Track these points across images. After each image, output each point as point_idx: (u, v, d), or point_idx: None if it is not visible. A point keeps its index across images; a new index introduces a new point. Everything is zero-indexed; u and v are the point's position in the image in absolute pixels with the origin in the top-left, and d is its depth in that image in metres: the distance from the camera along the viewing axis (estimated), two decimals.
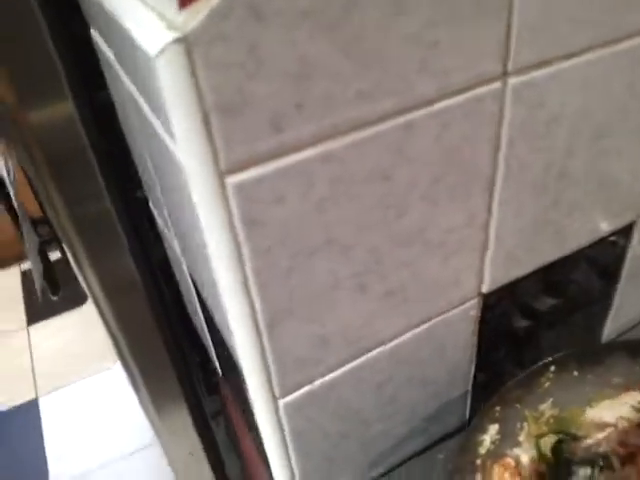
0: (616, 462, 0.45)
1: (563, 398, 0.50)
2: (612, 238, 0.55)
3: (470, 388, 0.55)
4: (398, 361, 0.47)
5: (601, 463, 0.45)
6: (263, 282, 0.35)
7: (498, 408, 0.50)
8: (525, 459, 0.47)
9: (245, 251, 0.33)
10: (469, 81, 0.35)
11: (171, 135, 0.30)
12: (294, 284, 0.36)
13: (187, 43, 0.26)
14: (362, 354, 0.44)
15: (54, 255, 0.97)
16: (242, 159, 0.30)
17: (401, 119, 0.34)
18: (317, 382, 0.42)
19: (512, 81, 0.37)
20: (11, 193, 0.77)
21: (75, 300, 1.76)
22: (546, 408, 0.51)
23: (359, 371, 0.44)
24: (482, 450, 0.48)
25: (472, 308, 0.48)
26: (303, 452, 0.46)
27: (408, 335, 0.45)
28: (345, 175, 0.34)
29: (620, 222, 0.53)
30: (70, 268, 0.87)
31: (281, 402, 0.41)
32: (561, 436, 0.49)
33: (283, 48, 0.28)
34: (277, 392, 0.41)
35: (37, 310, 1.91)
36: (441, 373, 0.52)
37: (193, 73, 0.26)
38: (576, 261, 0.54)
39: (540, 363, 0.51)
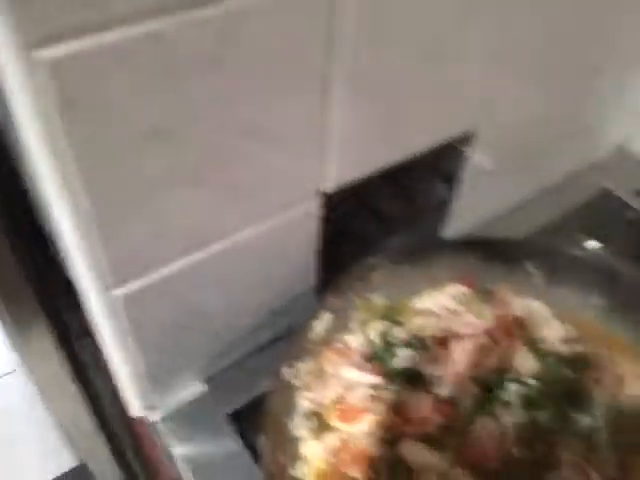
0: (430, 343, 0.51)
1: (394, 290, 0.55)
2: (453, 145, 0.58)
3: (316, 285, 0.58)
4: (240, 257, 0.48)
5: (417, 344, 0.50)
6: (89, 170, 0.34)
7: (332, 298, 0.53)
8: (354, 344, 0.52)
9: (66, 135, 0.31)
10: None
11: None
12: (123, 173, 0.35)
13: None
14: (199, 248, 0.44)
15: None
16: (54, 30, 0.28)
17: (229, 4, 0.33)
18: (153, 274, 0.43)
19: None
20: None
21: None
22: (377, 298, 0.56)
23: (199, 266, 0.45)
24: (314, 336, 0.51)
25: (313, 206, 0.50)
26: (143, 345, 0.47)
27: (249, 231, 0.46)
28: (171, 58, 0.33)
29: (457, 130, 0.56)
30: None
31: (115, 292, 0.41)
32: (387, 323, 0.53)
33: None
34: (110, 282, 0.40)
35: None
36: (286, 270, 0.54)
37: None
38: (421, 167, 0.57)
39: (375, 257, 0.55)
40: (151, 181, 0.37)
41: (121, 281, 0.41)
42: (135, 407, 0.53)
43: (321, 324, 0.52)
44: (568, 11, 0.55)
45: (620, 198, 0.79)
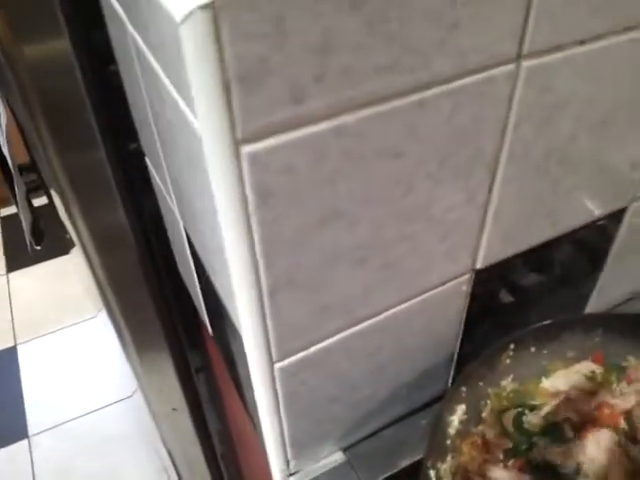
0: (568, 431, 0.47)
1: (522, 373, 0.53)
2: (602, 221, 0.56)
3: (455, 359, 0.57)
4: (390, 331, 0.48)
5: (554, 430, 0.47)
6: (269, 250, 0.35)
7: (464, 388, 0.51)
8: (490, 435, 0.49)
9: (254, 220, 0.34)
10: (484, 62, 0.35)
11: (188, 102, 0.30)
12: (298, 254, 0.37)
13: (214, 10, 0.25)
14: (357, 324, 0.45)
15: (37, 202, 0.96)
16: (259, 129, 0.30)
17: (416, 96, 0.34)
18: (312, 348, 0.44)
19: (526, 64, 0.37)
20: (1, 138, 0.76)
21: (57, 249, 1.74)
22: (507, 384, 0.53)
23: (353, 340, 0.45)
24: (452, 431, 0.49)
25: (464, 283, 0.49)
26: (294, 414, 0.48)
27: (401, 307, 0.46)
28: (357, 149, 0.34)
29: (612, 207, 0.54)
30: (55, 217, 0.86)
31: (277, 366, 0.43)
32: (520, 409, 0.51)
33: (308, 20, 0.28)
34: (274, 356, 0.42)
35: (18, 257, 1.89)
36: (429, 344, 0.53)
37: (218, 41, 0.26)
38: (566, 241, 0.55)
39: (500, 341, 0.53)
40: (321, 259, 0.38)
41: (283, 356, 0.42)
42: (276, 474, 0.53)
43: (456, 417, 0.50)
44: None
45: None
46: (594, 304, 0.65)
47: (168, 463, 0.96)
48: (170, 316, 0.74)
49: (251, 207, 0.33)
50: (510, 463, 0.47)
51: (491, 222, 0.45)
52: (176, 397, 0.84)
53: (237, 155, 0.30)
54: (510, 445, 0.48)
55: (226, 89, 0.28)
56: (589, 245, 0.60)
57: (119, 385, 1.47)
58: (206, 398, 0.91)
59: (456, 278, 0.48)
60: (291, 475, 0.54)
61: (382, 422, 0.57)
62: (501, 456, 0.48)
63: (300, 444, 0.51)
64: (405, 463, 0.54)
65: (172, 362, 0.79)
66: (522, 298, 0.59)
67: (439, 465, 0.46)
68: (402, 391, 0.55)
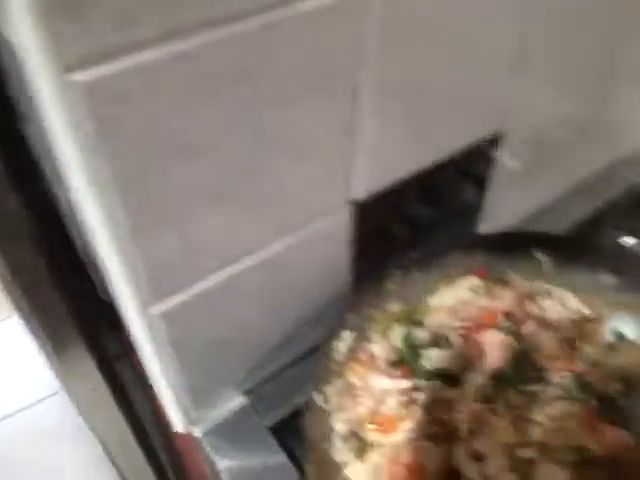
0: (455, 338, 0.50)
1: (408, 295, 0.55)
2: (481, 147, 0.58)
3: (348, 292, 0.58)
4: (274, 269, 0.48)
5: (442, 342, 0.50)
6: (122, 186, 0.34)
7: (350, 316, 0.53)
8: (378, 352, 0.51)
9: (100, 153, 0.32)
10: None
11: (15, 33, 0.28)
12: (154, 189, 0.36)
13: None
14: (233, 262, 0.45)
15: None
16: (88, 55, 0.29)
17: (259, 19, 0.33)
18: (189, 290, 0.43)
19: None
20: None
21: None
22: (393, 306, 0.55)
23: (234, 279, 0.45)
24: (338, 356, 0.51)
25: (344, 216, 0.50)
26: (184, 360, 0.47)
27: (280, 243, 0.47)
28: (200, 74, 0.33)
29: (485, 132, 0.56)
30: None
31: (154, 310, 0.42)
32: (407, 326, 0.53)
33: None
34: (149, 300, 0.41)
35: None
36: (320, 280, 0.54)
37: None
38: (448, 169, 0.57)
39: (384, 270, 0.55)
40: (183, 196, 0.38)
41: (159, 298, 0.42)
42: (178, 423, 0.53)
43: (343, 343, 0.52)
44: (593, 13, 0.55)
45: None
46: (484, 230, 0.67)
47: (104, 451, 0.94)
48: (79, 301, 0.71)
49: (93, 141, 0.32)
50: (396, 373, 0.49)
51: (362, 150, 0.46)
52: (96, 381, 0.82)
53: (66, 83, 0.29)
54: (396, 358, 0.50)
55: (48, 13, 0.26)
56: (471, 172, 0.62)
57: (42, 384, 1.42)
58: (131, 381, 0.89)
59: (333, 210, 0.49)
60: (193, 424, 0.54)
61: (282, 362, 0.58)
62: (383, 366, 0.50)
63: (198, 391, 0.51)
64: (302, 401, 0.55)
65: (87, 348, 0.76)
66: (411, 228, 0.61)
67: (325, 389, 0.48)
68: (299, 329, 0.56)
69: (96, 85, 0.30)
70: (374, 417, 0.48)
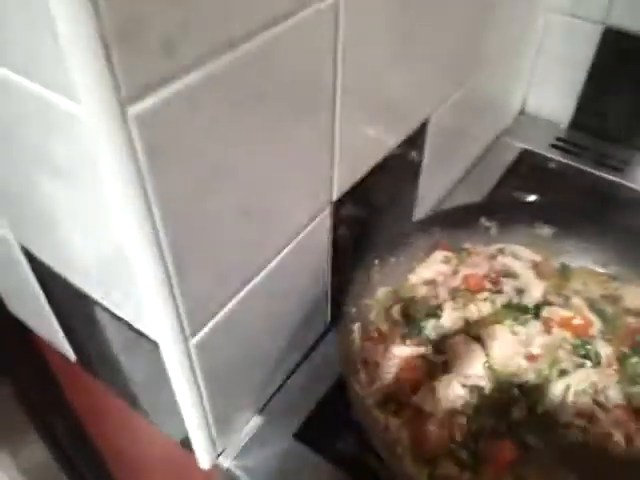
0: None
1: (390, 279, 0.60)
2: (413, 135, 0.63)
3: (329, 291, 0.60)
4: (274, 280, 0.49)
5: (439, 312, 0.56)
6: (168, 214, 0.34)
7: (354, 309, 0.56)
8: (384, 327, 0.55)
9: (149, 182, 0.32)
10: None
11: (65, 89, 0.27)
12: (196, 213, 0.36)
13: None
14: (253, 277, 0.45)
15: None
16: (142, 87, 0.29)
17: (267, 34, 0.35)
18: (220, 314, 0.43)
19: None
20: None
21: None
22: (381, 292, 0.60)
23: (252, 295, 0.46)
24: (356, 346, 0.54)
25: (327, 217, 0.53)
26: (214, 388, 0.47)
27: (284, 252, 0.48)
28: (226, 96, 0.34)
29: (419, 120, 0.62)
30: None
31: (193, 341, 0.41)
32: (402, 303, 0.58)
33: None
34: (188, 331, 0.41)
35: None
36: (307, 283, 0.56)
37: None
38: (390, 160, 0.62)
39: (365, 261, 0.58)
40: (218, 220, 0.38)
41: (197, 329, 0.41)
42: (204, 457, 0.52)
43: (355, 334, 0.54)
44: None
45: (540, 154, 0.89)
46: (420, 211, 0.74)
47: None
48: None
49: (144, 169, 0.31)
50: (407, 342, 0.53)
51: (338, 152, 0.49)
52: None
53: (125, 119, 0.29)
54: (405, 331, 0.55)
55: (106, 51, 0.26)
56: (406, 160, 0.68)
57: None
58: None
59: (320, 213, 0.51)
60: (219, 455, 0.53)
61: (285, 373, 0.59)
62: (398, 339, 0.54)
63: (223, 419, 0.51)
64: (316, 400, 0.57)
65: None
66: (369, 220, 0.65)
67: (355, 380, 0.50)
68: (295, 336, 0.57)
69: (149, 116, 0.30)
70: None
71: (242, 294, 0.45)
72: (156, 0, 0.27)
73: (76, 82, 0.27)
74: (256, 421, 0.56)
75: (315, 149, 0.46)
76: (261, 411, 0.56)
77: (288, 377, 0.60)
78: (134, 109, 0.29)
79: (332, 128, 0.47)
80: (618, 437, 0.48)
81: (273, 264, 0.48)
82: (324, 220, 0.53)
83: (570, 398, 0.50)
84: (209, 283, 0.41)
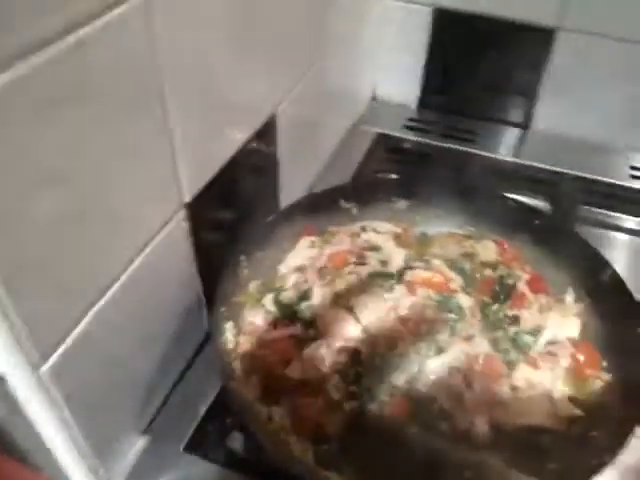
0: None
1: (260, 273, 0.60)
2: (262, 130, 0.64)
3: (203, 297, 0.59)
4: (137, 290, 0.48)
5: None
6: None
7: (223, 309, 0.55)
8: (259, 320, 0.55)
9: None
10: None
11: None
12: (22, 228, 0.34)
13: None
14: (104, 292, 0.43)
15: None
16: None
17: (72, 37, 0.34)
18: (71, 336, 0.41)
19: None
20: None
21: None
22: (252, 286, 0.60)
23: (106, 313, 0.44)
24: (230, 345, 0.53)
25: (182, 220, 0.52)
26: (82, 415, 0.44)
27: (137, 262, 0.47)
28: (40, 99, 0.33)
29: (264, 117, 0.63)
30: None
31: (43, 369, 0.39)
32: (273, 293, 0.58)
33: None
34: (36, 360, 0.38)
35: None
36: (177, 290, 0.55)
37: None
38: (243, 157, 0.62)
39: (231, 259, 0.58)
40: (49, 230, 0.36)
41: (45, 355, 0.39)
42: None
43: (229, 333, 0.54)
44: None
45: (395, 136, 0.93)
46: (284, 200, 0.74)
47: None
48: None
49: None
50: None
51: (180, 152, 0.48)
52: None
53: None
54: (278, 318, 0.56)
55: None
56: (260, 155, 0.68)
57: None
58: None
59: (173, 216, 0.50)
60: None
61: (166, 387, 0.57)
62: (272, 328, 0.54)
63: (101, 446, 0.48)
64: (203, 409, 0.56)
65: None
66: (235, 218, 0.64)
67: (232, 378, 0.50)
68: (171, 349, 0.56)
69: None
70: None
71: (94, 311, 0.43)
72: None
73: None
74: (142, 442, 0.53)
75: (152, 149, 0.45)
76: (146, 431, 0.54)
77: (171, 391, 0.58)
78: None
79: (167, 127, 0.46)
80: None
81: (127, 274, 0.46)
82: (179, 223, 0.52)
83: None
84: (51, 303, 0.38)
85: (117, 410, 0.50)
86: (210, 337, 0.62)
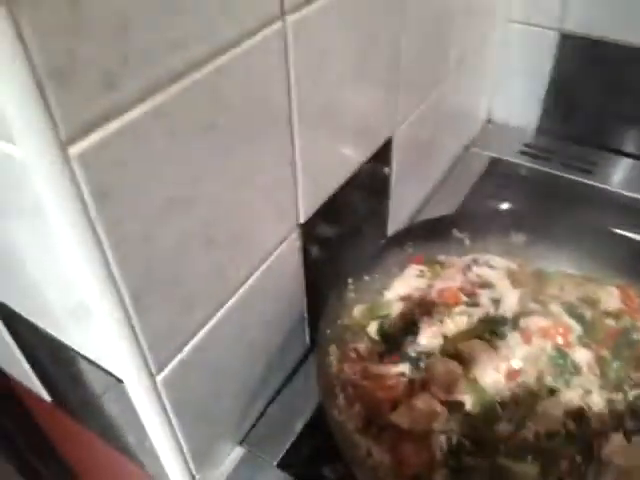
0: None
1: (365, 297, 0.59)
2: (378, 152, 0.63)
3: (306, 316, 0.60)
4: (249, 306, 0.49)
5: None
6: (121, 254, 0.33)
7: (328, 331, 0.55)
8: (362, 348, 0.54)
9: (99, 226, 0.31)
10: (257, 22, 0.38)
11: None
12: (150, 249, 0.36)
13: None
14: (220, 307, 0.45)
15: None
16: (82, 126, 0.28)
17: (211, 65, 0.35)
18: (187, 347, 0.42)
19: (290, 19, 0.41)
20: None
21: None
22: (357, 310, 0.59)
23: (221, 326, 0.45)
24: (333, 370, 0.53)
25: (296, 239, 0.52)
26: (187, 423, 0.45)
27: (253, 278, 0.48)
28: (174, 128, 0.34)
29: (383, 137, 0.62)
30: None
31: (159, 378, 0.40)
32: (378, 321, 0.57)
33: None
34: (153, 368, 0.40)
35: None
36: (283, 308, 0.55)
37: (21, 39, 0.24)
38: (357, 180, 0.61)
39: (339, 281, 0.58)
40: (173, 250, 0.38)
41: (162, 365, 0.40)
42: None
43: (333, 356, 0.53)
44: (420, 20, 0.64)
45: (508, 161, 0.90)
46: (394, 226, 0.74)
47: None
48: None
49: (93, 214, 0.31)
50: (385, 361, 0.53)
51: (301, 175, 0.49)
52: None
53: (67, 160, 0.28)
54: (383, 349, 0.54)
55: (40, 88, 0.26)
56: (374, 177, 0.68)
57: None
58: None
59: (288, 236, 0.51)
60: None
61: (265, 401, 0.58)
62: (376, 359, 0.53)
63: (201, 453, 0.49)
64: (300, 426, 0.56)
65: None
66: (343, 239, 0.64)
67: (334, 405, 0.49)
68: (273, 363, 0.56)
69: (92, 154, 0.30)
70: None
71: (210, 325, 0.44)
72: (92, 37, 0.27)
73: (10, 123, 0.27)
74: (238, 452, 0.54)
75: (276, 173, 0.46)
76: (242, 442, 0.55)
77: (269, 404, 0.59)
78: (75, 149, 0.28)
79: (292, 151, 0.47)
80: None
81: (241, 291, 0.47)
82: (293, 243, 0.52)
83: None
84: (172, 317, 0.40)
85: (218, 420, 0.51)
86: (309, 353, 0.63)
